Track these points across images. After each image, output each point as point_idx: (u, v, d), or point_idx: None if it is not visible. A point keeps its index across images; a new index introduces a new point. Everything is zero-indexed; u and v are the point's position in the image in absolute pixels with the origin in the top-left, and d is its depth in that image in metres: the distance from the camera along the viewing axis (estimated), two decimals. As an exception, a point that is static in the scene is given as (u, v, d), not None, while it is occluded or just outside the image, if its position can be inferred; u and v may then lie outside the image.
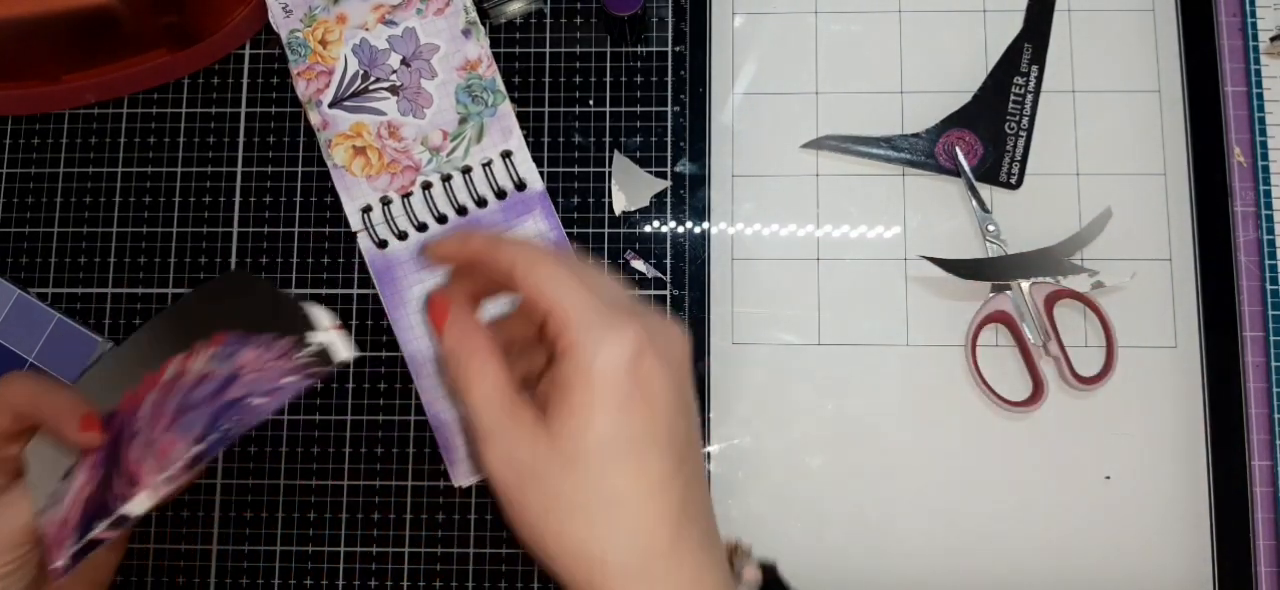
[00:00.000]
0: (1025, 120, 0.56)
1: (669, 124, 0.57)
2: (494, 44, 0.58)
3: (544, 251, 0.33)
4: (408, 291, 0.56)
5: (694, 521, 0.32)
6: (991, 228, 0.56)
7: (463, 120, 0.56)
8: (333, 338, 0.38)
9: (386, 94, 0.57)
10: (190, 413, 0.37)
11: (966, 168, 0.56)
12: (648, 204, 0.57)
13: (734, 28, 0.59)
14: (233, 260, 0.57)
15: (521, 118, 0.57)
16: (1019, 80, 0.57)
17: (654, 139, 0.57)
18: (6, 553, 0.37)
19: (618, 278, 0.34)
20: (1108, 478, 0.54)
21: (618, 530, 0.30)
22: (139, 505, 0.36)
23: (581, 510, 0.30)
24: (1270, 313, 0.55)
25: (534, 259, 0.32)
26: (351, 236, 0.57)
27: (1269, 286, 0.55)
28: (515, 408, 0.31)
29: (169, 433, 0.37)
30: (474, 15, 0.57)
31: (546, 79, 0.58)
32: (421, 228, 0.56)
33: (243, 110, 0.58)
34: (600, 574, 0.30)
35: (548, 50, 0.58)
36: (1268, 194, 0.55)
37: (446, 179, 0.56)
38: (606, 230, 0.57)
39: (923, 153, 0.57)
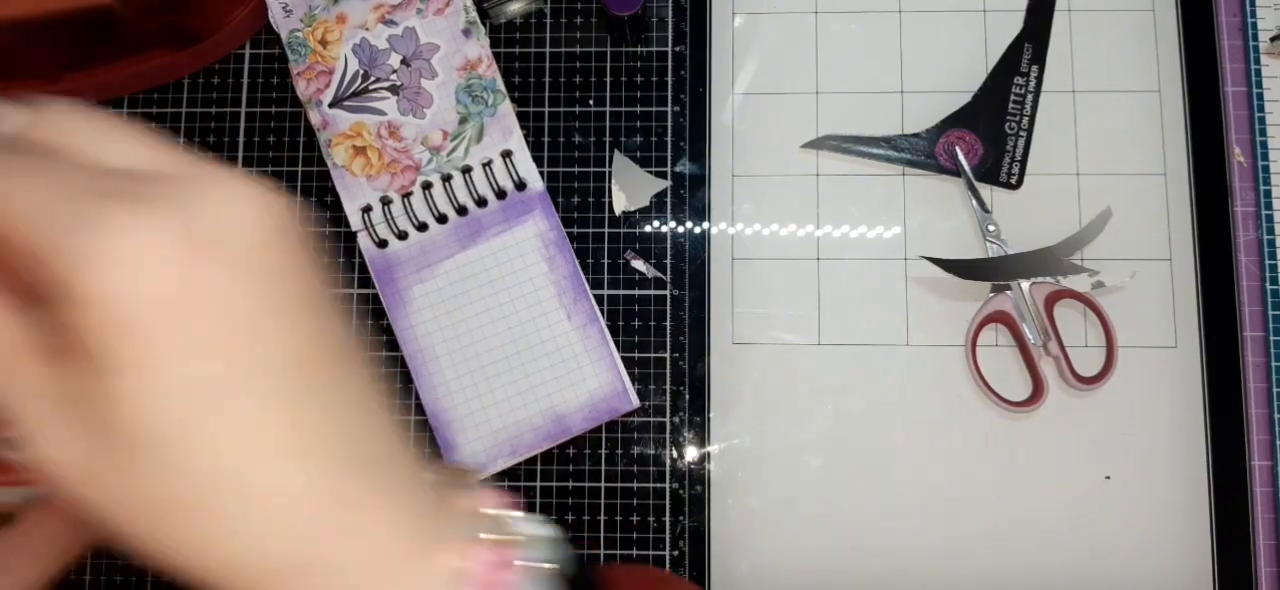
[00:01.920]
0: (1025, 120, 0.56)
1: (669, 124, 0.57)
2: (494, 44, 0.58)
3: None
4: (408, 291, 0.56)
5: (359, 464, 0.23)
6: (991, 228, 0.56)
7: (463, 120, 0.56)
8: None
9: (386, 94, 0.57)
10: None
11: (966, 168, 0.56)
12: (648, 204, 0.57)
13: (734, 28, 0.59)
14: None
15: (521, 118, 0.57)
16: (1019, 80, 0.57)
17: (654, 139, 0.57)
18: None
19: (117, 117, 0.23)
20: (1108, 478, 0.54)
21: (255, 521, 0.21)
22: None
23: (195, 507, 0.21)
24: (1270, 313, 0.55)
25: None
26: (351, 236, 0.57)
27: (1269, 286, 0.55)
28: (35, 385, 0.21)
29: None
30: (474, 15, 0.57)
31: (546, 79, 0.58)
32: (422, 227, 0.56)
33: (243, 110, 0.58)
34: (267, 579, 0.22)
35: (548, 50, 0.58)
36: (1268, 194, 0.55)
37: (446, 179, 0.56)
38: (606, 230, 0.57)
39: (923, 153, 0.57)
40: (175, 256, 0.20)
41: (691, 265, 0.56)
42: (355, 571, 0.23)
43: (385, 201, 0.56)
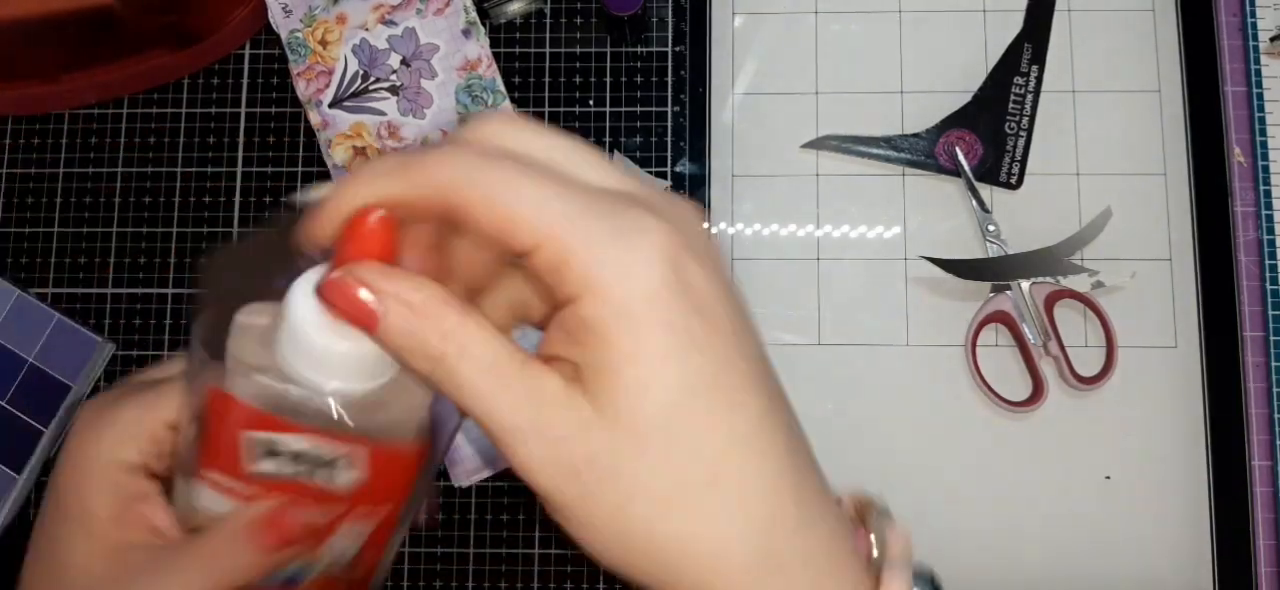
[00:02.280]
0: (1025, 120, 0.56)
1: (669, 124, 0.57)
2: (494, 44, 0.58)
3: (486, 154, 0.23)
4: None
5: (808, 472, 0.25)
6: (991, 228, 0.56)
7: (463, 120, 0.56)
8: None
9: (386, 94, 0.57)
10: None
11: (966, 168, 0.56)
12: (648, 204, 0.57)
13: (734, 28, 0.59)
14: (233, 260, 0.57)
15: (521, 118, 0.57)
16: (1019, 80, 0.57)
17: (654, 139, 0.57)
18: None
19: (586, 143, 0.25)
20: (1108, 478, 0.54)
21: (728, 512, 0.23)
22: None
23: (674, 498, 0.23)
24: (1270, 313, 0.55)
25: (477, 170, 0.23)
26: (351, 236, 0.57)
27: (1269, 286, 0.55)
28: (536, 386, 0.23)
29: None
30: (474, 15, 0.57)
31: (546, 79, 0.58)
32: (421, 228, 0.56)
33: (243, 110, 0.58)
34: (715, 575, 0.23)
35: (548, 50, 0.58)
36: (1268, 194, 0.55)
37: (446, 179, 0.56)
38: (606, 230, 0.57)
39: (923, 153, 0.57)
40: (679, 262, 0.22)
41: (691, 265, 0.56)
42: (812, 567, 0.24)
43: (385, 201, 0.56)
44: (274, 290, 0.26)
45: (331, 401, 0.25)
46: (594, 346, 0.22)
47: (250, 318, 0.27)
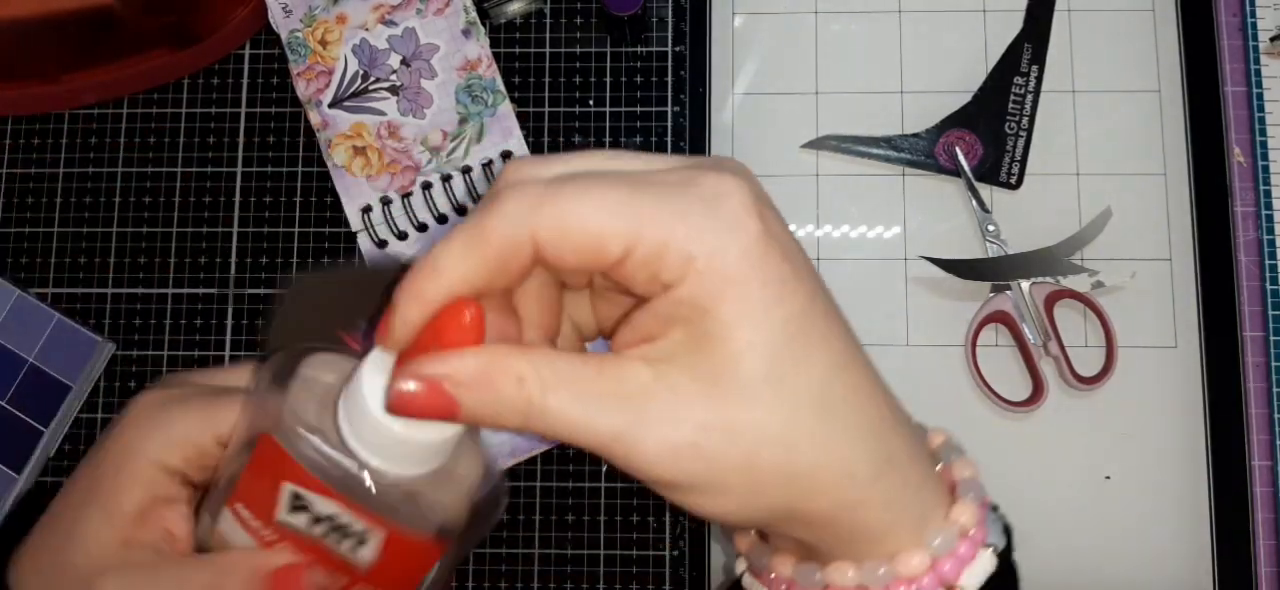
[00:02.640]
0: (1025, 120, 0.56)
1: (669, 124, 0.57)
2: (494, 44, 0.58)
3: (539, 189, 0.23)
4: (408, 291, 0.56)
5: (879, 375, 0.26)
6: (991, 228, 0.56)
7: (463, 120, 0.56)
8: None
9: (386, 94, 0.57)
10: None
11: (966, 168, 0.56)
12: (648, 204, 0.57)
13: (734, 28, 0.59)
14: (233, 260, 0.57)
15: (521, 118, 0.57)
16: (1019, 80, 0.57)
17: (654, 139, 0.57)
18: None
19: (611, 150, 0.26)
20: (1108, 478, 0.54)
21: (847, 433, 0.24)
22: None
23: (798, 437, 0.24)
24: (1270, 313, 0.55)
25: (541, 205, 0.23)
26: (351, 236, 0.57)
27: (1269, 286, 0.55)
28: (623, 385, 0.23)
29: None
30: (474, 15, 0.57)
31: (546, 79, 0.58)
32: (421, 228, 0.56)
33: (243, 110, 0.58)
34: (850, 488, 0.24)
35: (548, 50, 0.58)
36: (1268, 194, 0.55)
37: (446, 179, 0.56)
38: (606, 230, 0.57)
39: (923, 153, 0.57)
40: (762, 213, 0.23)
41: (691, 265, 0.56)
42: (916, 459, 0.26)
43: (385, 202, 0.56)
44: (348, 335, 0.28)
45: (367, 475, 0.26)
46: (698, 320, 0.23)
47: (317, 372, 0.27)
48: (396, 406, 0.23)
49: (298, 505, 0.27)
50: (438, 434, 0.25)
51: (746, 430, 0.23)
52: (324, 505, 0.26)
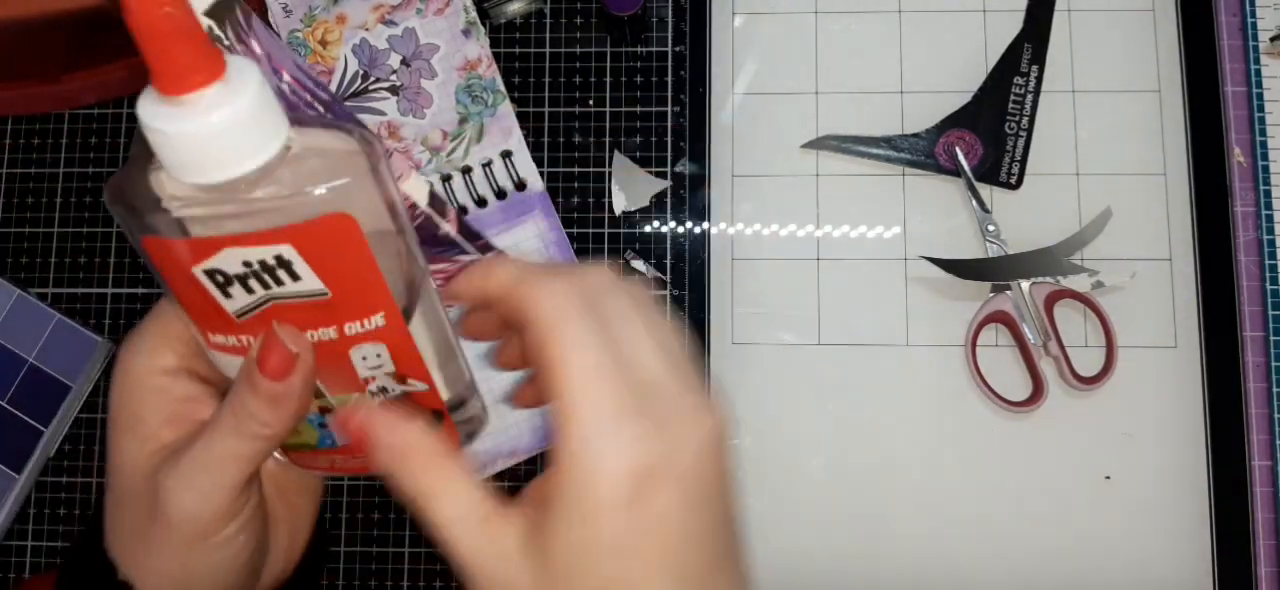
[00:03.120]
0: (1025, 120, 0.56)
1: (669, 124, 0.57)
2: (494, 44, 0.58)
3: (571, 313, 0.27)
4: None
5: None
6: (991, 228, 0.56)
7: (463, 120, 0.56)
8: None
9: (386, 94, 0.57)
10: None
11: (966, 168, 0.56)
12: (648, 204, 0.57)
13: (734, 28, 0.59)
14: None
15: (521, 118, 0.57)
16: (1019, 80, 0.57)
17: (654, 139, 0.57)
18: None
19: (672, 331, 0.28)
20: (1108, 478, 0.54)
21: None
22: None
23: None
24: (1270, 313, 0.55)
25: (556, 321, 0.26)
26: (351, 236, 0.57)
27: (1269, 286, 0.55)
28: (494, 535, 0.26)
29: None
30: (474, 15, 0.57)
31: (546, 79, 0.58)
32: (421, 228, 0.56)
33: (243, 110, 0.58)
34: None
35: (548, 50, 0.58)
36: (1268, 194, 0.55)
37: (446, 179, 0.56)
38: (606, 230, 0.57)
39: (923, 153, 0.57)
40: (638, 475, 0.25)
41: (691, 266, 0.56)
42: None
43: (385, 201, 0.56)
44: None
45: (214, 193, 0.24)
46: (554, 511, 0.26)
47: (138, 161, 0.26)
48: (338, 422, 0.29)
49: (223, 282, 0.25)
50: (232, 113, 0.23)
51: None
52: (228, 258, 0.25)
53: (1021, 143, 0.56)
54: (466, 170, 0.56)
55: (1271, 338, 0.54)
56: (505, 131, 0.56)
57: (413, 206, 0.32)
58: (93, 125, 0.58)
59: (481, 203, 0.56)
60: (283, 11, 0.57)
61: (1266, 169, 0.56)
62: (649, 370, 0.27)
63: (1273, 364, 0.54)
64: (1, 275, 0.56)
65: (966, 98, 0.57)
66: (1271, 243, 0.55)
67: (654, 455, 0.25)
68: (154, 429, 0.30)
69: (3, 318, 0.55)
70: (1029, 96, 0.56)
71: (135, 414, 0.30)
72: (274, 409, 0.28)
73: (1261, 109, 0.56)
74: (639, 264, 0.56)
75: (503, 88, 0.57)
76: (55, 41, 0.54)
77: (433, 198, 0.32)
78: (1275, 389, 0.54)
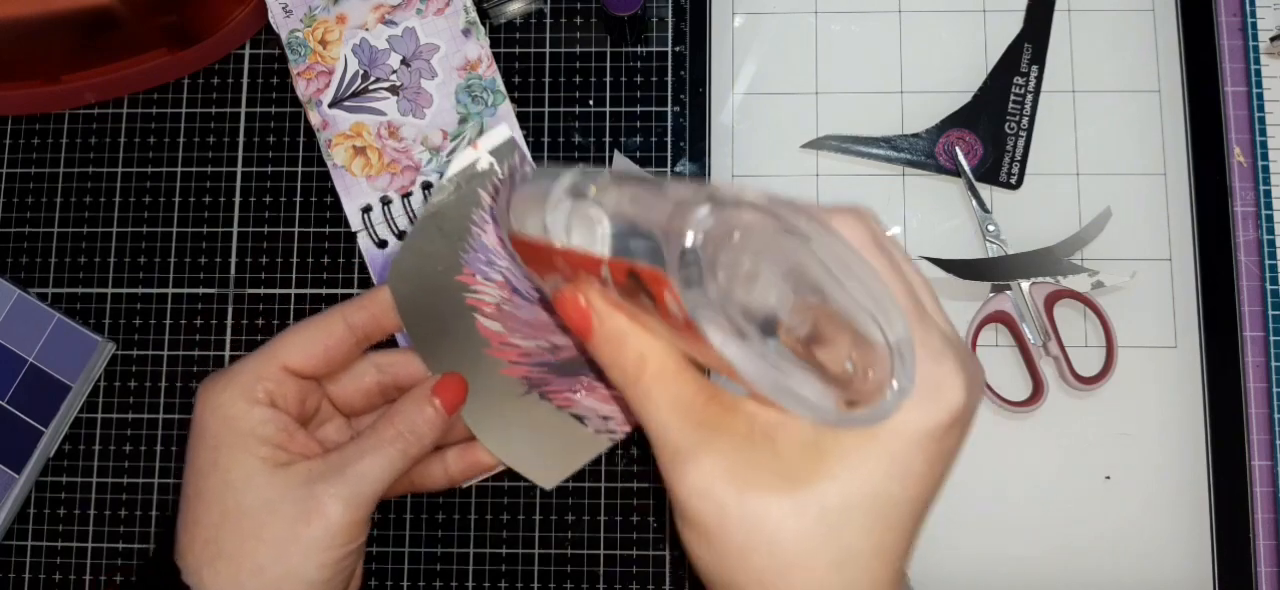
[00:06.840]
0: (1025, 120, 0.56)
1: (669, 124, 0.57)
2: (494, 44, 0.58)
3: (870, 245, 0.27)
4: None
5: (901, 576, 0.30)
6: (991, 228, 0.56)
7: (463, 120, 0.56)
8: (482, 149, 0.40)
9: (386, 94, 0.57)
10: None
11: (966, 168, 0.56)
12: (648, 204, 0.57)
13: (734, 28, 0.59)
14: (233, 260, 0.57)
15: (521, 118, 0.57)
16: (1019, 80, 0.57)
17: (654, 139, 0.57)
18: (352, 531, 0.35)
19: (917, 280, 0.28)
20: (1108, 478, 0.54)
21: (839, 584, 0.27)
22: None
23: (807, 562, 0.27)
24: (1270, 313, 0.55)
25: (870, 251, 0.27)
26: (351, 236, 0.57)
27: (1269, 286, 0.55)
28: (713, 424, 0.27)
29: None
30: (474, 15, 0.57)
31: (546, 79, 0.58)
32: (421, 228, 0.56)
33: (243, 110, 0.58)
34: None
35: (548, 50, 0.58)
36: (1268, 194, 0.55)
37: (446, 179, 0.56)
38: (606, 230, 0.57)
39: (923, 153, 0.57)
40: (954, 420, 0.28)
41: (691, 265, 0.56)
42: None
43: (385, 202, 0.56)
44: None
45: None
46: (832, 436, 0.27)
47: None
48: (556, 296, 0.30)
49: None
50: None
51: (771, 540, 0.26)
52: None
53: (1021, 143, 0.56)
54: (466, 170, 0.56)
55: (1271, 338, 0.54)
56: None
57: None
58: (93, 125, 0.58)
59: (481, 203, 0.56)
60: (283, 11, 0.57)
61: (1266, 169, 0.56)
62: (941, 318, 0.29)
63: (1273, 364, 0.54)
64: (1, 275, 0.56)
65: (966, 98, 0.57)
66: (1271, 243, 0.55)
67: (964, 403, 0.27)
68: (270, 448, 0.35)
69: (3, 318, 0.55)
70: (1029, 96, 0.56)
71: (248, 433, 0.35)
72: (433, 429, 0.34)
73: (1261, 109, 0.56)
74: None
75: (503, 88, 0.57)
76: (55, 41, 0.54)
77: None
78: (1275, 389, 0.54)
